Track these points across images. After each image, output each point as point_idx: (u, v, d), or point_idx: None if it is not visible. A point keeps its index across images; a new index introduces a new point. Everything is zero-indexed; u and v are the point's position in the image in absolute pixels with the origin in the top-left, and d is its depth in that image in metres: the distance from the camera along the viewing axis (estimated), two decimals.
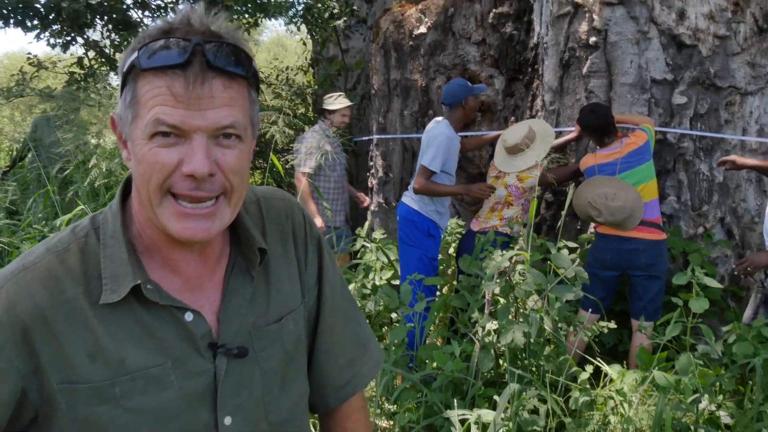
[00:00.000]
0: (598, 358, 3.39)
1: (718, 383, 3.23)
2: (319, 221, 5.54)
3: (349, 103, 5.91)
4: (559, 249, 4.43)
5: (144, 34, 0.98)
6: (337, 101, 5.86)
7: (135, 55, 0.96)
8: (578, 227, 4.78)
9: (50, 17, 7.53)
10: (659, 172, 4.51)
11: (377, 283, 4.79)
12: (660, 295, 4.04)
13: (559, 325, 3.42)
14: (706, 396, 3.01)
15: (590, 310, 4.11)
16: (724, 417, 3.09)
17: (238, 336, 1.14)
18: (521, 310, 3.29)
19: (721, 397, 3.22)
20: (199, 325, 1.10)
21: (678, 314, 3.30)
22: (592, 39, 4.61)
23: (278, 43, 31.12)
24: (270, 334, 1.19)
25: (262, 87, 8.35)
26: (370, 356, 1.39)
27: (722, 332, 3.46)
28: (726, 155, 4.22)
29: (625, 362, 3.89)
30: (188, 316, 1.09)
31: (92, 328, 1.01)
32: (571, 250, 4.54)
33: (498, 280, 3.32)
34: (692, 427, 2.95)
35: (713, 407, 3.08)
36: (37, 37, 7.71)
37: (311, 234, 1.31)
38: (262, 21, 7.27)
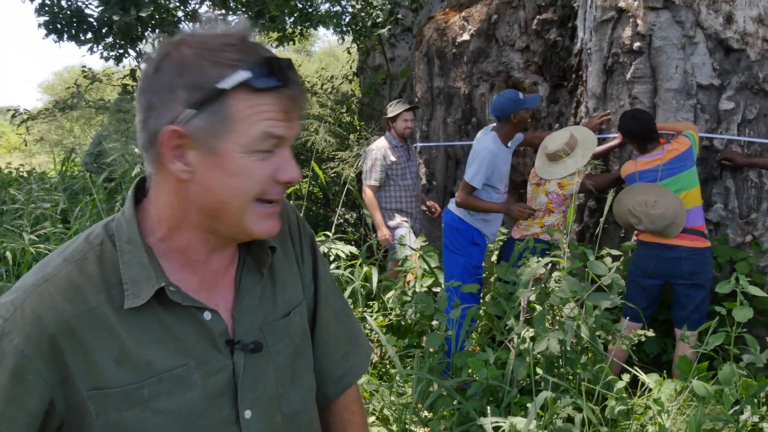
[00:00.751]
0: (635, 367, 3.32)
1: (762, 394, 3.13)
2: (385, 232, 5.51)
3: (406, 107, 5.69)
4: (601, 257, 4.38)
5: (224, 55, 1.00)
6: (395, 107, 5.72)
7: (240, 75, 0.99)
8: (622, 235, 4.70)
9: (103, 31, 7.74)
10: (706, 179, 4.41)
11: (417, 290, 4.79)
12: (704, 305, 3.95)
13: (597, 333, 3.37)
14: (748, 407, 2.93)
15: (628, 318, 4.05)
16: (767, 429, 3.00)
17: (252, 332, 1.19)
18: (557, 318, 3.25)
19: (765, 408, 3.12)
20: (218, 324, 1.14)
21: (722, 324, 3.23)
22: (636, 44, 4.55)
23: (330, 53, 31.48)
24: (280, 328, 1.24)
25: (308, 96, 8.46)
26: (361, 348, 1.46)
27: None
28: None
29: (665, 372, 3.81)
30: (207, 315, 1.12)
31: (117, 334, 1.04)
32: (614, 258, 4.48)
33: (534, 287, 3.30)
34: None
35: (756, 419, 2.99)
36: (91, 50, 7.95)
37: (304, 232, 1.36)
38: (307, 31, 7.36)
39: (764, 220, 4.33)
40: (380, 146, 5.64)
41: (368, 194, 5.60)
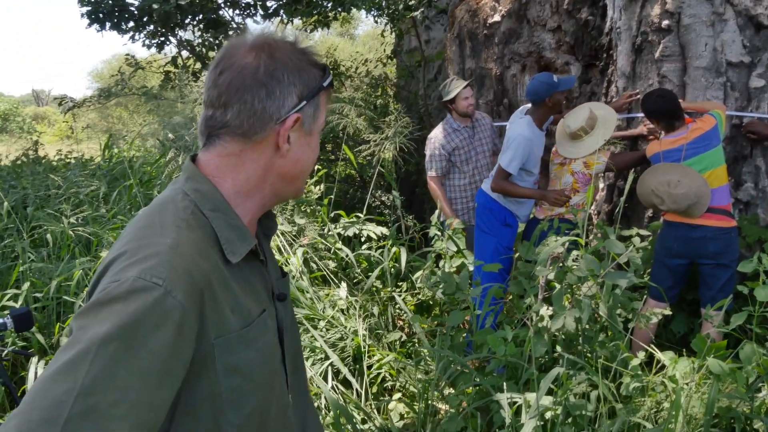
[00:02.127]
0: (652, 345, 3.34)
1: None
2: (456, 222, 5.14)
3: (462, 85, 5.37)
4: (629, 236, 4.39)
5: (313, 59, 1.33)
6: (451, 87, 5.40)
7: (328, 78, 1.34)
8: (650, 215, 4.69)
9: (144, 19, 7.91)
10: (736, 158, 4.37)
11: (446, 270, 4.85)
12: (731, 284, 3.93)
13: (618, 312, 3.39)
14: (765, 385, 2.94)
15: (646, 297, 4.06)
16: None
17: (276, 284, 1.44)
18: (576, 296, 3.29)
19: None
20: (271, 276, 1.41)
21: (748, 303, 3.24)
22: (665, 22, 4.50)
23: (373, 36, 31.41)
24: (284, 285, 1.49)
25: (342, 79, 8.53)
26: None
27: None
28: None
29: (684, 351, 3.82)
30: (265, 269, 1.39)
31: (230, 286, 1.22)
32: (643, 238, 4.48)
33: (552, 266, 3.34)
34: (747, 417, 2.89)
35: None
36: (132, 38, 8.12)
37: None
38: (341, 15, 7.41)
39: None
40: (438, 135, 5.47)
41: (431, 186, 5.48)
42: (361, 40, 32.10)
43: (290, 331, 1.47)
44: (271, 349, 1.31)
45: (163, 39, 8.58)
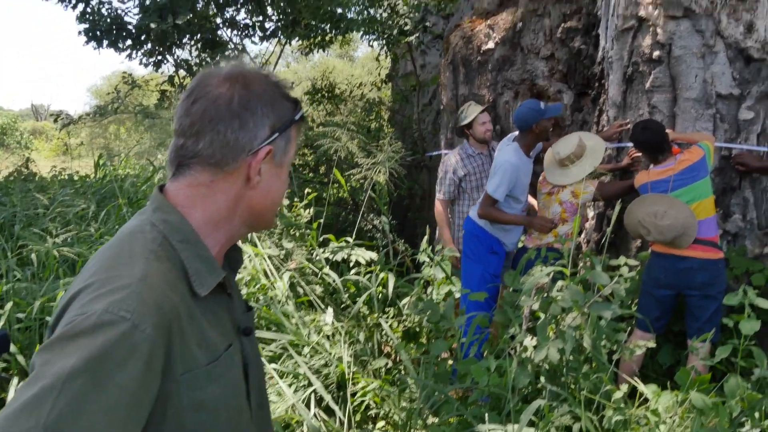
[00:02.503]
0: (636, 378, 3.32)
1: (765, 408, 3.10)
2: (453, 249, 5.16)
3: (478, 110, 5.26)
4: (617, 266, 4.37)
5: (286, 92, 1.34)
6: (468, 112, 5.29)
7: (299, 112, 1.36)
8: (639, 244, 4.68)
9: (141, 38, 7.95)
10: (724, 190, 4.38)
11: (434, 297, 4.83)
12: (717, 316, 3.91)
13: (603, 343, 3.37)
14: (748, 420, 2.91)
15: (632, 328, 4.04)
16: None
17: (241, 319, 1.41)
18: (560, 327, 3.27)
19: (767, 422, 3.09)
20: (236, 309, 1.38)
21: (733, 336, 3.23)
22: (656, 53, 4.53)
23: (372, 58, 31.58)
24: (249, 319, 1.46)
25: (337, 102, 8.56)
26: None
27: None
28: None
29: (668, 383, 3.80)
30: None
31: (197, 319, 1.20)
32: (631, 268, 4.46)
33: (536, 296, 3.32)
34: None
35: (757, 431, 2.97)
36: (129, 56, 8.16)
37: None
38: (336, 38, 7.45)
39: None
40: (452, 158, 5.38)
41: (437, 208, 5.40)
42: (360, 62, 32.22)
43: (255, 366, 1.44)
44: (237, 384, 1.30)
45: (160, 58, 8.62)
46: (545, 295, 3.32)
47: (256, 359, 1.46)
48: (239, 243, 1.48)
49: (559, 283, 3.33)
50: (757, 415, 2.98)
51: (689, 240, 3.88)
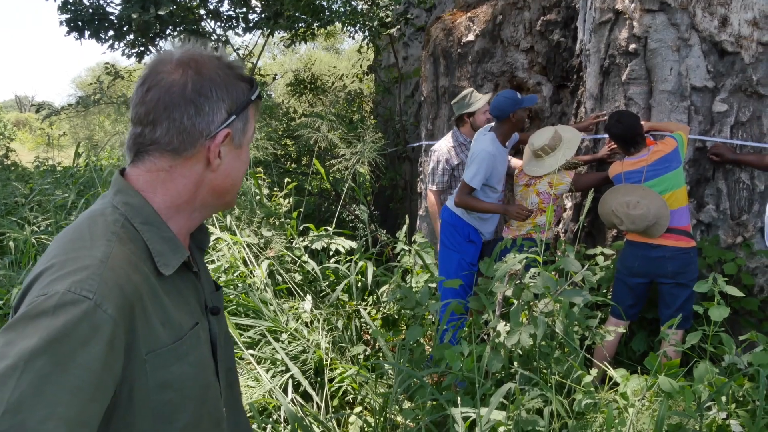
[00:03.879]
0: (605, 363, 3.38)
1: (732, 392, 3.18)
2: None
3: (488, 96, 5.11)
4: (593, 255, 4.44)
5: (240, 72, 1.35)
6: (473, 99, 5.11)
7: (256, 92, 1.37)
8: (615, 234, 4.75)
9: (123, 29, 7.92)
10: (698, 181, 4.45)
11: (413, 285, 4.88)
12: (689, 304, 3.98)
13: (575, 329, 3.43)
14: (716, 404, 2.98)
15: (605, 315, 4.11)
16: (734, 426, 3.04)
17: (209, 297, 1.45)
18: (533, 313, 3.33)
19: (733, 405, 3.16)
20: (204, 289, 1.42)
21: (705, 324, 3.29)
22: (632, 46, 4.59)
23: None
24: (218, 298, 1.51)
25: (319, 93, 8.58)
26: None
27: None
28: None
29: (639, 369, 3.87)
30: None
31: (161, 299, 1.22)
32: (607, 257, 4.53)
33: (509, 283, 3.37)
34: None
35: (723, 415, 3.04)
36: (111, 47, 8.13)
37: None
38: (318, 30, 7.47)
39: (755, 221, 4.35)
40: (443, 147, 5.24)
41: (430, 200, 5.29)
42: (347, 55, 32.19)
43: (224, 346, 1.47)
44: (204, 362, 1.31)
45: (143, 49, 8.59)
46: (518, 281, 3.37)
47: (225, 339, 1.49)
48: (205, 223, 1.52)
49: (532, 270, 3.38)
50: (724, 399, 3.05)
51: (661, 229, 3.95)
